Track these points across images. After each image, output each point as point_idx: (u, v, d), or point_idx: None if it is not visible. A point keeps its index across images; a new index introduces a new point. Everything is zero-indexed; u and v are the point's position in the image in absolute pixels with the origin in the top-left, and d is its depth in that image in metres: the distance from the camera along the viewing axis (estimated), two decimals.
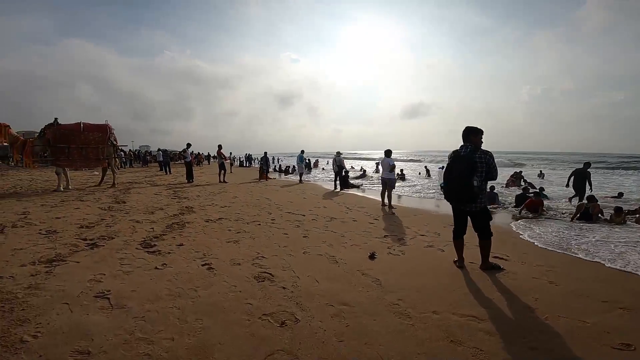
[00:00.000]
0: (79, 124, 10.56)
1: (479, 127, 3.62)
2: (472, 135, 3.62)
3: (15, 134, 9.91)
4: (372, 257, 4.22)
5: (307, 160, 25.30)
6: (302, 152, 17.43)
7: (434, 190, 12.62)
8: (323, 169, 28.04)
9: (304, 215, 7.08)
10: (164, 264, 3.79)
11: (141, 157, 30.05)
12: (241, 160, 38.75)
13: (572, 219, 7.27)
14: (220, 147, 13.79)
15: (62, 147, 10.19)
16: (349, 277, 3.52)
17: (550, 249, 4.86)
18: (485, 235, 3.69)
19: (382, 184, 9.13)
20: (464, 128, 3.67)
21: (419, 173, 23.08)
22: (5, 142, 9.72)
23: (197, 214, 6.93)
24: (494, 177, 3.61)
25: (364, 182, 16.42)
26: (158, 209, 7.44)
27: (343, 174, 14.97)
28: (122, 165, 25.96)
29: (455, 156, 3.65)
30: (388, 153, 9.23)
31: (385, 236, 5.33)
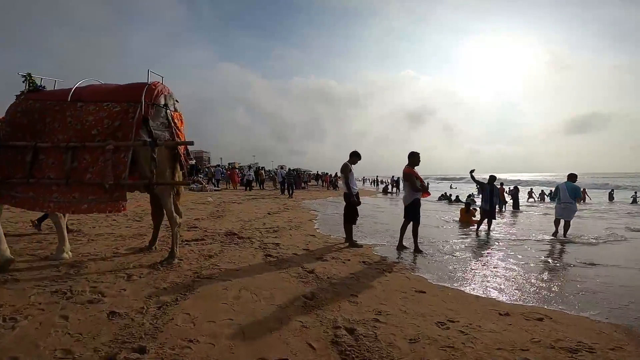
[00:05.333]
0: (69, 90, 3.73)
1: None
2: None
3: None
4: None
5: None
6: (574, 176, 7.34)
7: None
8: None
9: None
10: None
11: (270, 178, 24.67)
12: (386, 184, 30.19)
13: None
14: (414, 158, 5.27)
15: (20, 149, 3.41)
16: None
17: None
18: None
19: None
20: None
21: None
22: None
23: None
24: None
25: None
26: None
27: None
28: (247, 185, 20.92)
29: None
30: None
31: None
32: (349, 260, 4.69)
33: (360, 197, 5.81)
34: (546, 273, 4.65)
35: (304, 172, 33.21)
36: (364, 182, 46.18)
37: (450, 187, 34.52)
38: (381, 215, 10.60)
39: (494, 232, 7.83)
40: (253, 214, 9.03)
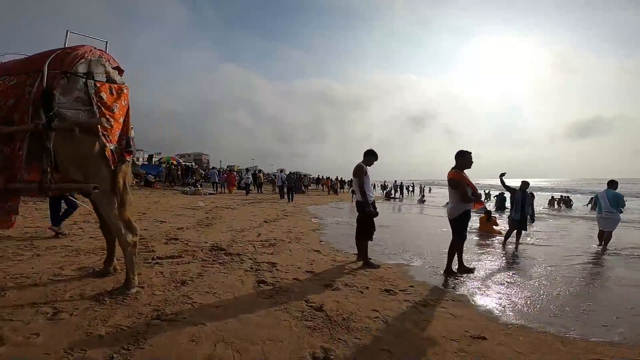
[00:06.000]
0: None
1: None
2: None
3: None
4: None
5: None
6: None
7: None
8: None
9: None
10: None
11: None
12: (389, 189, 29.08)
13: None
14: (463, 159, 4.10)
15: None
16: None
17: None
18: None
19: None
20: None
21: None
22: None
23: None
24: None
25: None
26: None
27: None
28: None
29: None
30: None
31: None
32: (367, 288, 3.57)
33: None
34: (628, 298, 3.58)
35: (304, 175, 32.04)
36: None
37: None
38: (393, 225, 9.47)
39: (523, 244, 6.74)
40: (247, 221, 7.90)
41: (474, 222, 9.82)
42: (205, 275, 3.55)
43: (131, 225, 2.88)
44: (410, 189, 30.34)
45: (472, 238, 7.51)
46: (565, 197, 19.58)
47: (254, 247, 5.05)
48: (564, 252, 6.10)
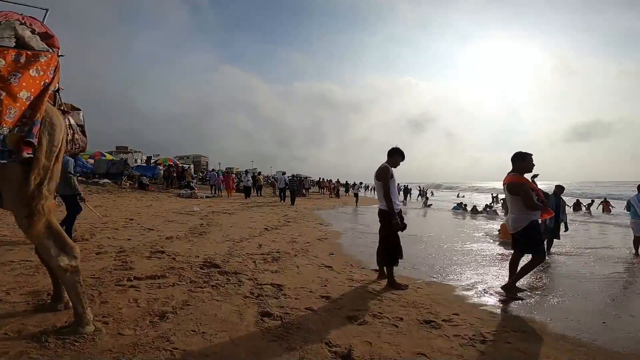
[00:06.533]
0: None
1: None
2: None
3: None
4: None
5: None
6: None
7: None
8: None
9: None
10: None
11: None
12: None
13: None
14: (524, 161, 3.37)
15: None
16: None
17: None
18: None
19: None
20: None
21: None
22: None
23: None
24: None
25: None
26: None
27: None
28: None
29: None
30: None
31: None
32: (402, 319, 2.77)
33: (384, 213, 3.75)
34: None
35: (305, 178, 31.15)
36: (366, 190, 41.36)
37: (457, 196, 32.56)
38: (408, 232, 8.67)
39: (553, 254, 5.96)
40: (246, 229, 7.08)
41: (494, 228, 9.04)
42: (193, 305, 2.74)
43: (66, 245, 2.08)
44: (419, 192, 29.21)
45: (494, 247, 6.72)
46: (588, 202, 18.94)
47: (254, 262, 4.23)
48: (605, 262, 5.40)
